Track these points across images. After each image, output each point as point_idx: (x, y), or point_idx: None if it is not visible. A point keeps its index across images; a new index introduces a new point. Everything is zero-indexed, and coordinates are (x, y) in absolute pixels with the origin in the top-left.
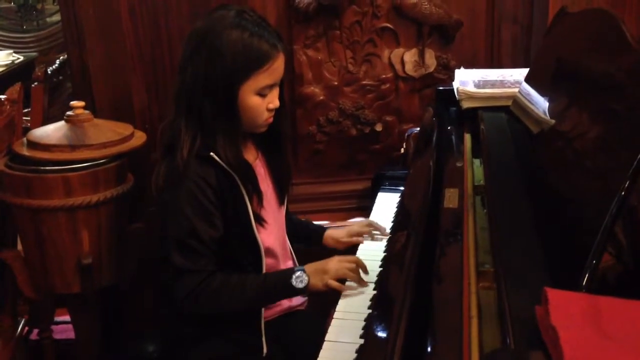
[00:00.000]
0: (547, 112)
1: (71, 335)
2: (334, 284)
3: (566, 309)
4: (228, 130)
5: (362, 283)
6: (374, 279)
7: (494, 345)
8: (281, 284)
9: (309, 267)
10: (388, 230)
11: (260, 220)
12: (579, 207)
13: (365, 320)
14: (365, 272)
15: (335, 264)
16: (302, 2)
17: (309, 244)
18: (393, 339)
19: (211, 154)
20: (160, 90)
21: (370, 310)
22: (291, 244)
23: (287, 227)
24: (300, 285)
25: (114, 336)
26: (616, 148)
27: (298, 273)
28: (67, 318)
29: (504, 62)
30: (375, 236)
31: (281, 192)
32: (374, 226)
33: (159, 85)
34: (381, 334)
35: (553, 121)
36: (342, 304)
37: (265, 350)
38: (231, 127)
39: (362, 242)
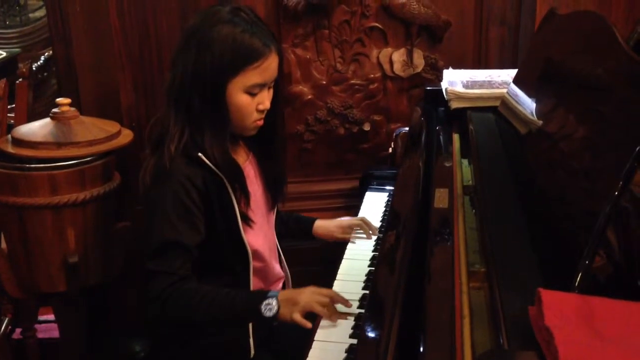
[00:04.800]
0: (534, 113)
1: (55, 334)
2: (299, 319)
3: (560, 310)
4: (216, 127)
5: (333, 319)
6: (364, 278)
7: (485, 345)
8: (250, 307)
9: (283, 294)
10: (377, 230)
11: (247, 220)
12: (567, 207)
13: (355, 320)
14: (346, 305)
15: (307, 296)
16: (291, 1)
17: (299, 236)
18: (386, 339)
19: (199, 154)
20: (148, 88)
21: (360, 310)
22: (282, 239)
23: (276, 225)
24: (269, 314)
25: (99, 335)
26: (604, 149)
27: (269, 300)
28: (51, 317)
29: (491, 63)
30: (365, 235)
31: (273, 197)
32: (365, 223)
33: (147, 82)
34: (373, 334)
35: (540, 122)
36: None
37: (252, 351)
38: (219, 124)
39: (352, 241)
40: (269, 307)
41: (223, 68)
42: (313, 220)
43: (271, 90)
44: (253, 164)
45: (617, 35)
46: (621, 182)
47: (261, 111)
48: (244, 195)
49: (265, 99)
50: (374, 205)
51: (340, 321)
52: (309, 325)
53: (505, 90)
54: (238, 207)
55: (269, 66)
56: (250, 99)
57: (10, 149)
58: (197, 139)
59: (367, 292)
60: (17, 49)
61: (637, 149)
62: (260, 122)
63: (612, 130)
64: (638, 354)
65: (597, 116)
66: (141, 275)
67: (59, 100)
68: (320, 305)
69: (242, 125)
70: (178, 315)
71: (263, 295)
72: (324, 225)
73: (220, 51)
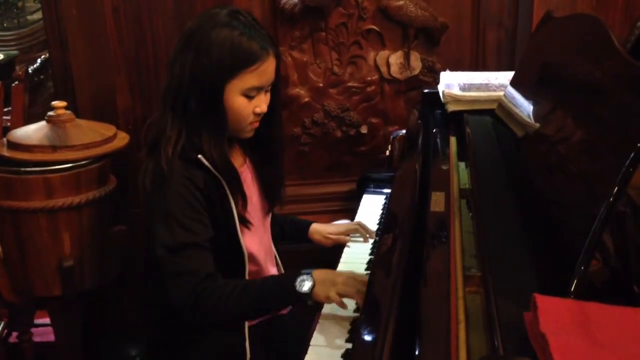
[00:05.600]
0: (531, 116)
1: (51, 338)
2: (336, 298)
3: (555, 316)
4: (213, 129)
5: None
6: None
7: (481, 350)
8: (284, 285)
9: (319, 273)
10: (374, 233)
11: (245, 222)
12: (565, 211)
13: (351, 324)
14: None
15: (346, 278)
16: (288, 4)
17: (295, 239)
18: (381, 344)
19: (199, 156)
20: (144, 90)
21: (356, 314)
22: (278, 242)
23: (272, 228)
24: (304, 289)
25: (95, 339)
26: (601, 153)
27: (303, 276)
28: (47, 320)
29: (488, 65)
30: (362, 238)
31: (269, 202)
32: (362, 227)
33: (143, 85)
34: (369, 338)
35: (538, 125)
36: (327, 308)
37: (249, 355)
38: (217, 126)
39: (348, 241)
40: (304, 282)
41: (221, 71)
42: (309, 224)
43: (268, 94)
44: (250, 169)
45: (613, 39)
46: (617, 186)
47: (258, 114)
48: (242, 197)
49: (262, 102)
50: (371, 208)
51: (336, 325)
52: (345, 306)
53: (502, 93)
54: (236, 208)
55: (267, 69)
56: (247, 101)
57: (5, 152)
58: (195, 141)
59: None
60: (14, 52)
61: (633, 152)
62: (256, 125)
63: (609, 134)
64: None
65: (594, 119)
66: (138, 279)
67: (55, 103)
68: (358, 293)
69: (238, 128)
70: (212, 313)
71: (296, 272)
72: (320, 230)
73: (218, 54)
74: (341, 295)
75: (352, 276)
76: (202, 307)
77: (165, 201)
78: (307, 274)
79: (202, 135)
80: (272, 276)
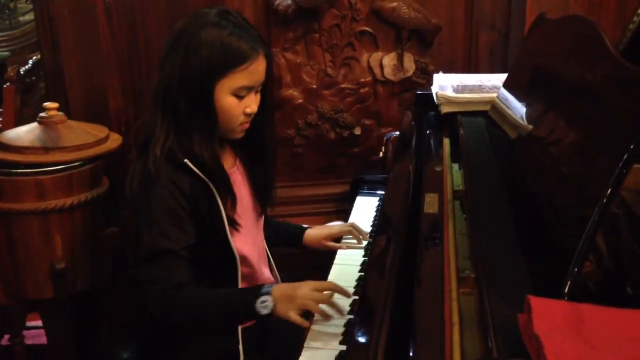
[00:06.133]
0: (524, 118)
1: (43, 340)
2: (296, 318)
3: (549, 317)
4: (203, 129)
5: (328, 318)
6: (354, 283)
7: (475, 352)
8: (244, 305)
9: (279, 290)
10: (368, 235)
11: (234, 224)
12: (558, 212)
13: (345, 326)
14: (347, 295)
15: (305, 291)
16: (281, 5)
17: (289, 245)
18: (375, 345)
19: (185, 160)
20: (136, 92)
21: (350, 316)
22: (271, 247)
23: (266, 232)
24: (264, 312)
25: (87, 341)
26: (593, 154)
27: (263, 297)
28: (39, 323)
29: (481, 67)
30: (356, 241)
31: (261, 203)
32: (355, 228)
33: (136, 86)
34: (363, 340)
35: (530, 126)
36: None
37: (242, 357)
38: (207, 126)
39: (343, 248)
40: (264, 304)
41: (210, 70)
42: (303, 230)
43: (258, 95)
44: (240, 170)
45: (606, 41)
46: (610, 188)
47: (248, 114)
48: (231, 198)
49: (252, 103)
50: (364, 210)
51: (330, 327)
52: (306, 324)
53: (495, 95)
54: (225, 211)
55: (256, 69)
56: (237, 101)
57: None
58: (184, 142)
59: (357, 297)
60: (6, 53)
61: (626, 154)
62: (247, 125)
63: (602, 135)
64: None
65: (587, 121)
66: (130, 282)
67: (47, 104)
68: (318, 303)
69: (228, 128)
70: (179, 321)
71: (257, 291)
72: (313, 235)
73: (208, 53)
74: (301, 310)
75: (312, 287)
76: (172, 316)
77: (149, 204)
78: (267, 293)
79: (193, 136)
80: (236, 292)
